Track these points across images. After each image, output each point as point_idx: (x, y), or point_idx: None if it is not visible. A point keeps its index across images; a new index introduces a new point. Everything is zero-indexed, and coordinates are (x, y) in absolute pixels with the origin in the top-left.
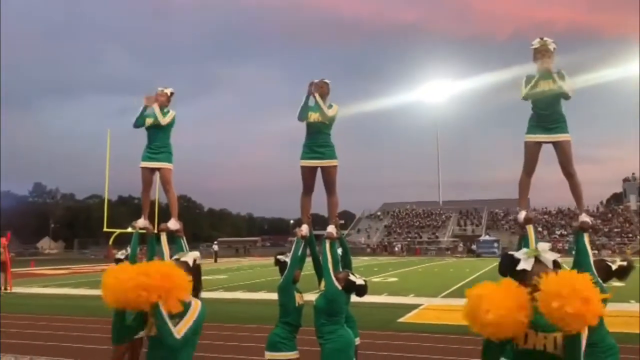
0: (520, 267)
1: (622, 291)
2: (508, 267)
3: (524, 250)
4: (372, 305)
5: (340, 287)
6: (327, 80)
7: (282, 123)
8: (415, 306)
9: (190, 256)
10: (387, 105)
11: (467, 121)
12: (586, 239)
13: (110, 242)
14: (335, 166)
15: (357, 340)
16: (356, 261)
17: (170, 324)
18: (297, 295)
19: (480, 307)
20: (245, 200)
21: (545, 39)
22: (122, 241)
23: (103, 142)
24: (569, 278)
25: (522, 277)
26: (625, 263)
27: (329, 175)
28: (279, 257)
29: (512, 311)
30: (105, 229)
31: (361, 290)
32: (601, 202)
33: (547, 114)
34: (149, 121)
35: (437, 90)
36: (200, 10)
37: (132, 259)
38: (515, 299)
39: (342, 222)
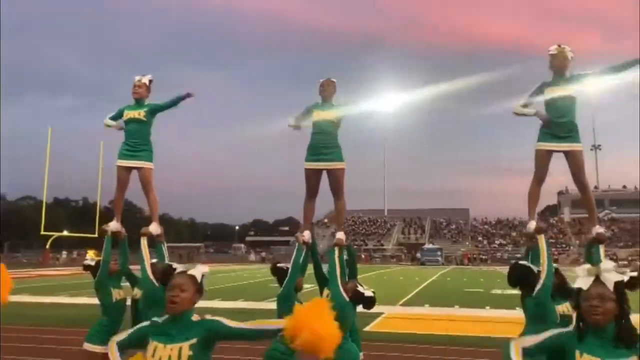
0: (576, 285)
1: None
2: (522, 277)
3: (586, 265)
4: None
5: (347, 298)
6: (333, 79)
7: (228, 129)
8: (377, 315)
9: (199, 270)
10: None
11: (413, 132)
12: (602, 250)
13: (48, 246)
14: (343, 169)
15: (361, 355)
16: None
17: None
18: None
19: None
20: (187, 205)
21: (562, 45)
22: (59, 245)
23: (38, 142)
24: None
25: (569, 294)
26: (636, 273)
27: (335, 178)
28: (278, 265)
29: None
30: (42, 232)
31: (369, 302)
32: (537, 214)
33: (561, 122)
34: (128, 114)
35: (387, 101)
36: (156, 13)
37: (105, 265)
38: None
39: (287, 228)
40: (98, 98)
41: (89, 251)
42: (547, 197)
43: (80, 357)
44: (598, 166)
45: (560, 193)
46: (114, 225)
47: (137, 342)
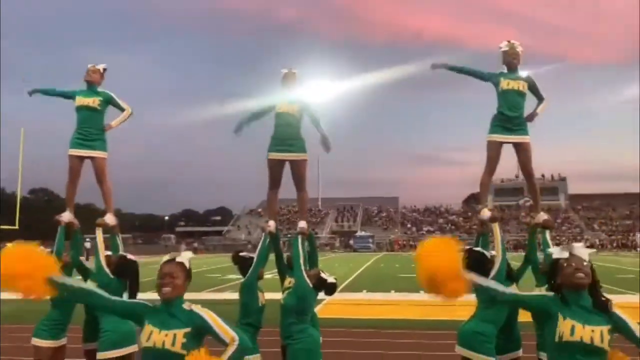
0: (555, 256)
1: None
2: (476, 262)
3: (556, 247)
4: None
5: (311, 285)
6: (294, 70)
7: (156, 116)
8: (317, 301)
9: (186, 256)
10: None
11: (345, 122)
12: (548, 235)
13: None
14: (305, 160)
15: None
16: None
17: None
18: (260, 294)
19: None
20: (114, 195)
21: (512, 41)
22: None
23: None
24: None
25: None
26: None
27: (298, 170)
28: (240, 254)
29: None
30: None
31: (331, 289)
32: (462, 202)
33: (512, 115)
34: (81, 101)
35: (318, 90)
36: None
37: (57, 255)
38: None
39: (219, 218)
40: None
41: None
42: (471, 186)
43: (24, 353)
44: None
45: (481, 180)
46: (67, 216)
47: (131, 314)
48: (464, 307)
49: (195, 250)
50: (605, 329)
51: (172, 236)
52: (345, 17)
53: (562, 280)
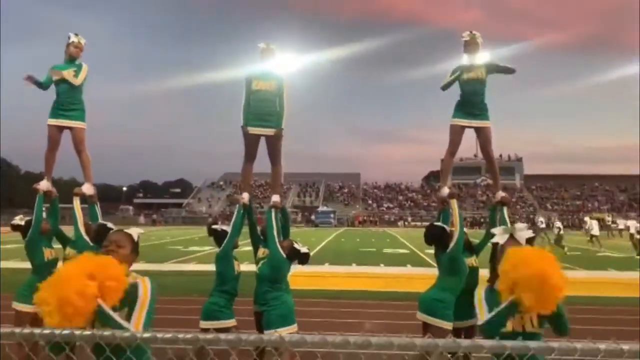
0: (494, 240)
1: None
2: (436, 236)
3: (500, 227)
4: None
5: (284, 255)
6: (272, 46)
7: (117, 83)
8: None
9: (135, 230)
10: (230, 74)
11: (309, 96)
12: (506, 212)
13: None
14: (281, 135)
15: None
16: (200, 231)
17: (120, 322)
18: (235, 263)
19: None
20: (68, 164)
21: (474, 32)
22: None
23: None
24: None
25: (473, 250)
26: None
27: (274, 144)
28: (213, 226)
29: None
30: None
31: (304, 258)
32: (422, 180)
33: (473, 101)
34: (57, 74)
35: (282, 62)
36: None
37: (36, 225)
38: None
39: (179, 190)
40: None
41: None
42: (431, 164)
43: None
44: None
45: (442, 160)
46: (44, 185)
47: None
48: (422, 280)
49: (154, 222)
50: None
51: (130, 207)
52: None
53: (495, 267)
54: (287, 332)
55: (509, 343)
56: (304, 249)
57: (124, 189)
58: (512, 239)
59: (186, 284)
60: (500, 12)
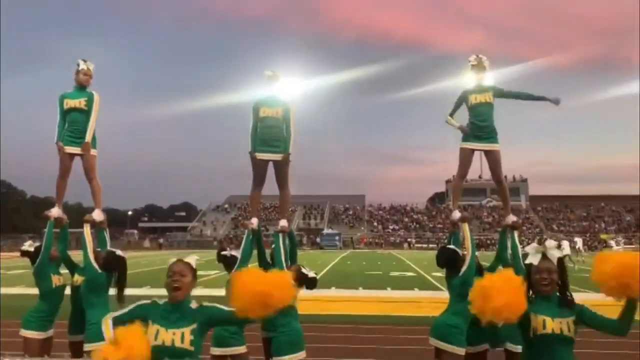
0: (528, 261)
1: None
2: (449, 259)
3: (534, 245)
4: None
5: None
6: (277, 72)
7: (121, 109)
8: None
9: (193, 258)
10: (236, 98)
11: (313, 119)
12: (516, 235)
13: None
14: (288, 159)
15: None
16: (206, 254)
17: None
18: None
19: (490, 295)
20: (74, 188)
21: (480, 56)
22: None
23: None
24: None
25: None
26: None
27: (282, 169)
28: (223, 253)
29: (516, 296)
30: None
31: (312, 283)
32: (427, 201)
33: (482, 125)
34: (68, 103)
35: (286, 87)
36: None
37: (46, 251)
38: (515, 287)
39: (184, 214)
40: None
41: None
42: (436, 185)
43: (13, 346)
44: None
45: (448, 181)
46: (55, 211)
47: (137, 319)
48: (431, 303)
49: (160, 246)
50: (570, 320)
51: (135, 232)
52: (314, 15)
53: (532, 285)
54: (296, 359)
55: None
56: (311, 274)
57: (129, 213)
58: (545, 258)
59: None
60: (500, 33)
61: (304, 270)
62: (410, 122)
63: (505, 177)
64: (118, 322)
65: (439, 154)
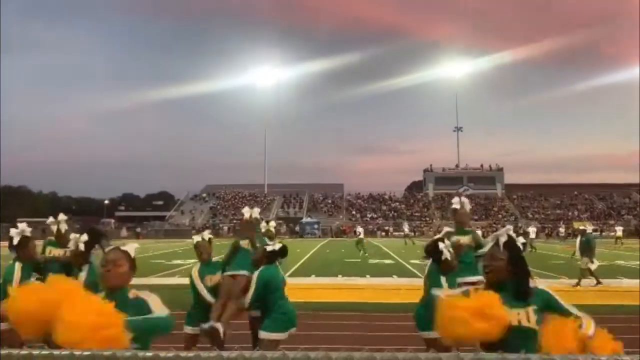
0: (483, 250)
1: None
2: (436, 252)
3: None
4: None
5: (263, 265)
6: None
7: (95, 96)
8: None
9: (132, 247)
10: (213, 86)
11: (290, 108)
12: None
13: None
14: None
15: None
16: (184, 243)
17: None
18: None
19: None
20: (48, 177)
21: (463, 200)
22: None
23: None
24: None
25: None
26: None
27: None
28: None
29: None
30: None
31: (283, 252)
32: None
33: (465, 262)
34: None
35: (265, 76)
36: None
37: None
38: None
39: (161, 203)
40: None
41: None
42: (414, 174)
43: None
44: (459, 146)
45: (425, 170)
46: None
47: None
48: (409, 291)
49: (137, 235)
50: (530, 309)
51: (112, 221)
52: (290, 3)
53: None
54: (283, 337)
55: (512, 356)
56: (276, 245)
57: (106, 202)
58: (495, 244)
59: (170, 297)
60: (482, 23)
61: (268, 247)
62: (388, 111)
63: (481, 165)
64: None
65: (416, 144)
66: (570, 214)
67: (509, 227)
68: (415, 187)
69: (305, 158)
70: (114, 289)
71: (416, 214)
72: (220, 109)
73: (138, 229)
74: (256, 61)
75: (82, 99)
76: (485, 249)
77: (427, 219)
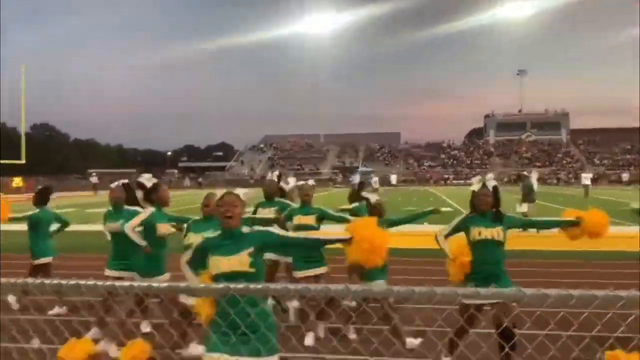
0: (471, 188)
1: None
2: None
3: (476, 178)
4: None
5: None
6: (311, 183)
7: (154, 49)
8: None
9: (241, 190)
10: (268, 35)
11: (347, 55)
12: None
13: None
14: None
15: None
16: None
17: None
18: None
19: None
20: (115, 131)
21: (486, 178)
22: None
23: None
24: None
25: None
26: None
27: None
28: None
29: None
30: None
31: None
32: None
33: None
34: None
35: (319, 23)
36: None
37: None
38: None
39: (221, 154)
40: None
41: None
42: (474, 121)
43: None
44: (522, 91)
45: (486, 116)
46: None
47: (201, 258)
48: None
49: (199, 185)
50: (499, 228)
51: (175, 171)
52: None
53: (474, 204)
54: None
55: (528, 291)
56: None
57: (169, 153)
58: (484, 186)
59: None
60: None
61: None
62: (447, 57)
63: (546, 110)
64: (191, 264)
65: (477, 89)
66: None
67: (491, 175)
68: (476, 134)
69: (360, 107)
70: (232, 227)
71: (476, 161)
72: (275, 59)
73: (200, 179)
74: (311, 9)
75: (143, 53)
76: (474, 187)
77: (488, 165)
